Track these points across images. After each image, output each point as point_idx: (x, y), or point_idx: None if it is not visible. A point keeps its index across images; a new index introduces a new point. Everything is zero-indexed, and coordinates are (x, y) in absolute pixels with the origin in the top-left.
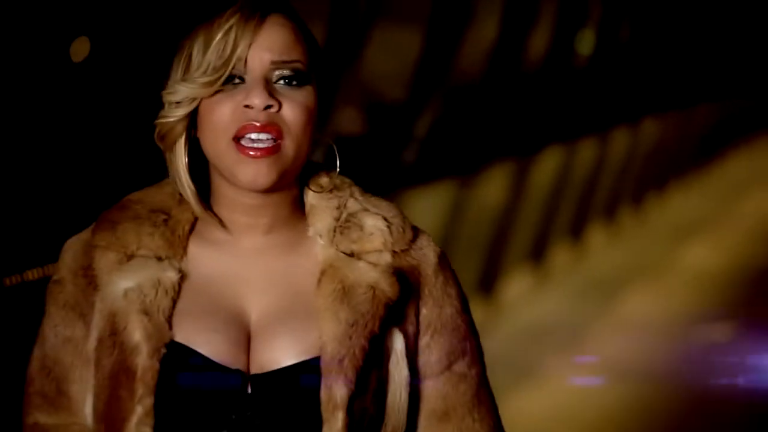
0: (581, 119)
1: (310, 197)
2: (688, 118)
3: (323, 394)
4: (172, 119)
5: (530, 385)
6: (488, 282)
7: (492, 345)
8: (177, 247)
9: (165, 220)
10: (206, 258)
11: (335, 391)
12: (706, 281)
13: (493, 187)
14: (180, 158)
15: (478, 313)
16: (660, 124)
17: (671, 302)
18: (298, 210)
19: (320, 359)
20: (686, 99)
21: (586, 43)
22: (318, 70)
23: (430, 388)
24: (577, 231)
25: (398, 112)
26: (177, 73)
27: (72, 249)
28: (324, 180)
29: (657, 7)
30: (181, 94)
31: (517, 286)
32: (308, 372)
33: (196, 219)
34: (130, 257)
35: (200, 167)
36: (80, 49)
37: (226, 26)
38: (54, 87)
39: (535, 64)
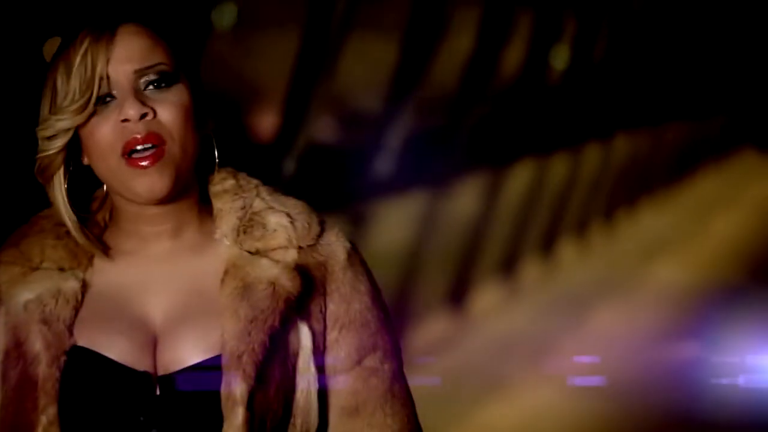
0: (554, 134)
1: (216, 200)
2: (659, 135)
3: (223, 390)
4: (50, 152)
5: (499, 397)
6: (459, 294)
7: (461, 357)
8: (81, 257)
9: (68, 232)
10: (112, 267)
11: (234, 387)
12: (675, 298)
13: (465, 200)
14: (59, 190)
15: (448, 324)
16: (632, 141)
17: (640, 318)
18: (205, 212)
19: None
20: (658, 116)
21: (560, 58)
22: (186, 65)
23: (341, 383)
24: (548, 245)
25: (372, 123)
26: (45, 107)
27: None
28: (229, 182)
29: (632, 24)
30: (54, 128)
31: (487, 299)
32: (210, 370)
33: (103, 230)
34: (35, 269)
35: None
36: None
37: (81, 50)
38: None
39: (510, 77)
